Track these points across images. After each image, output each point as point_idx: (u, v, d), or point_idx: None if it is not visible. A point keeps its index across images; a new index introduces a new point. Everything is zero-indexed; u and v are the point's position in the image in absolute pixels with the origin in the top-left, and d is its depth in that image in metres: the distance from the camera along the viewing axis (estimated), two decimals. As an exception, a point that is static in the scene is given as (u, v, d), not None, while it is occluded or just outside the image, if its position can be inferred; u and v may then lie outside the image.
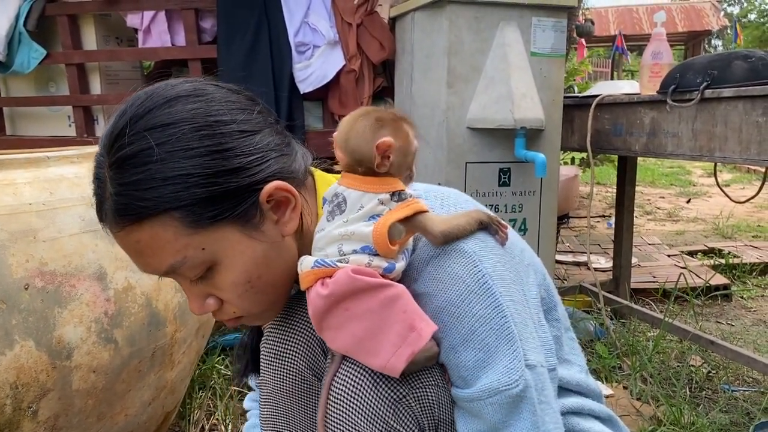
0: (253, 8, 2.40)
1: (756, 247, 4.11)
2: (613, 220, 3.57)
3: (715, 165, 2.63)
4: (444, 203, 0.82)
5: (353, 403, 0.74)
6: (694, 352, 2.34)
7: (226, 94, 0.76)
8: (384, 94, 2.55)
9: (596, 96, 2.31)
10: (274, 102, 2.37)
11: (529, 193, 2.21)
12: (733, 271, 3.53)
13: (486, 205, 0.87)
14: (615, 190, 2.96)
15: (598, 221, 5.21)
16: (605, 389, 2.01)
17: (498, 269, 0.76)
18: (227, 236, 0.73)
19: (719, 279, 3.19)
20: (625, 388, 2.07)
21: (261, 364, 0.88)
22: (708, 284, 2.99)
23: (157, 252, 0.72)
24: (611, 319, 2.54)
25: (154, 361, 1.34)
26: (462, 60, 2.06)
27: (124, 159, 0.69)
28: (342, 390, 0.75)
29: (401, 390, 0.74)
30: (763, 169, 2.32)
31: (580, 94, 2.79)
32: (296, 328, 0.86)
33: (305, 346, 0.85)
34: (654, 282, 3.18)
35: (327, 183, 0.82)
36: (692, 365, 2.27)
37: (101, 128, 2.72)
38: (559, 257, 3.68)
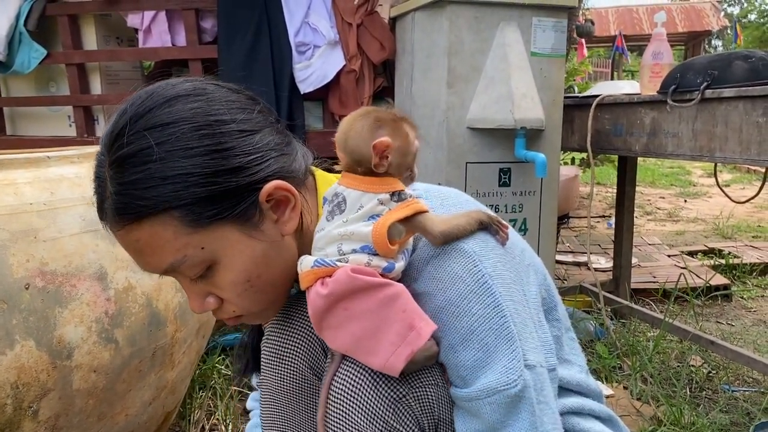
0: (254, 8, 2.40)
1: (756, 248, 4.11)
2: (613, 221, 3.57)
3: (716, 165, 2.63)
4: (444, 203, 0.82)
5: (353, 402, 0.74)
6: (694, 352, 2.34)
7: (227, 94, 0.76)
8: (384, 94, 2.55)
9: (596, 96, 2.31)
10: (275, 102, 2.37)
11: (530, 194, 2.21)
12: (733, 272, 3.53)
13: (486, 206, 0.87)
14: (615, 191, 2.96)
15: (599, 221, 5.21)
16: (605, 389, 2.01)
17: (498, 269, 0.76)
18: (227, 235, 0.73)
19: (719, 279, 3.19)
20: (625, 388, 2.07)
21: (262, 363, 0.89)
22: (708, 284, 2.99)
23: (157, 251, 0.72)
24: (611, 319, 2.54)
25: (155, 361, 1.34)
26: (462, 60, 2.06)
27: (124, 158, 0.70)
28: (342, 389, 0.75)
29: (401, 389, 0.74)
30: (764, 170, 2.32)
31: (581, 94, 2.79)
32: (297, 327, 0.86)
33: (306, 345, 0.85)
34: (654, 282, 3.18)
35: (328, 182, 0.82)
36: (692, 365, 2.27)
37: (101, 128, 2.71)
38: (559, 257, 3.68)
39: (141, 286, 1.30)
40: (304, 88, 2.41)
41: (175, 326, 1.37)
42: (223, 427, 1.77)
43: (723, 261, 3.67)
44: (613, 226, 3.10)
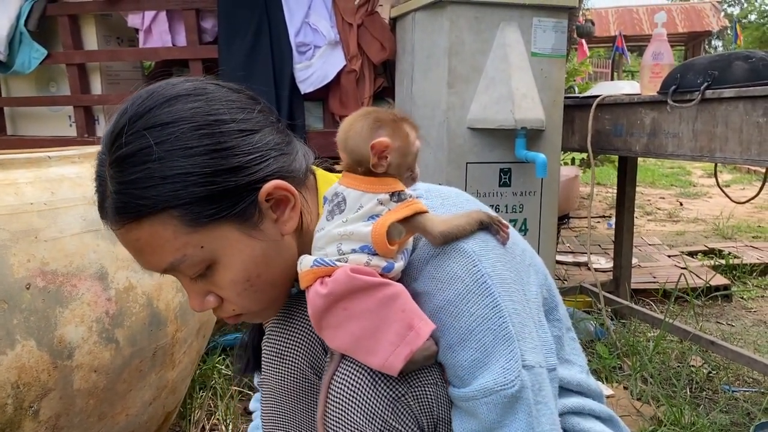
0: (254, 8, 2.40)
1: (756, 248, 4.11)
2: (613, 221, 3.57)
3: (716, 165, 2.64)
4: (445, 202, 0.82)
5: (352, 401, 0.74)
6: (694, 352, 2.34)
7: (227, 94, 0.77)
8: (385, 94, 2.56)
9: (597, 96, 2.31)
10: (275, 102, 2.37)
11: (530, 194, 2.21)
12: (734, 272, 3.53)
13: (486, 206, 0.87)
14: (615, 191, 2.96)
15: (599, 222, 5.21)
16: (606, 390, 2.01)
17: (498, 269, 0.76)
18: (226, 235, 0.74)
19: (719, 279, 3.19)
20: (625, 388, 2.07)
21: (262, 363, 0.89)
22: (708, 285, 2.99)
23: (156, 250, 0.72)
24: (611, 319, 2.54)
25: (155, 361, 1.35)
26: (463, 60, 2.06)
27: (124, 157, 0.70)
28: (341, 388, 0.75)
29: (400, 388, 0.75)
30: (764, 170, 2.32)
31: (581, 95, 2.79)
32: (297, 326, 0.86)
33: (306, 344, 0.85)
34: (654, 282, 3.18)
35: (328, 182, 0.82)
36: (693, 366, 2.27)
37: (102, 128, 2.72)
38: (559, 257, 3.68)
39: (141, 286, 1.30)
40: (305, 88, 2.41)
41: (175, 326, 1.37)
42: (223, 427, 1.77)
43: (723, 261, 3.67)
44: (614, 226, 3.10)
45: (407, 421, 0.75)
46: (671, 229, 5.06)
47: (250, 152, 0.73)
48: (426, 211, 0.75)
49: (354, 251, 0.73)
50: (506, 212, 2.18)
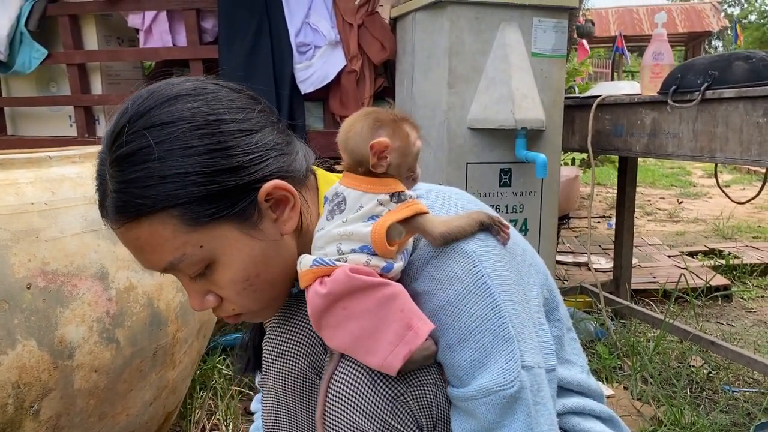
0: (255, 9, 2.40)
1: (756, 248, 4.11)
2: (613, 221, 3.57)
3: (716, 166, 2.64)
4: (446, 203, 0.82)
5: (351, 400, 0.74)
6: (694, 352, 2.34)
7: (227, 93, 0.77)
8: (385, 94, 2.56)
9: (597, 96, 2.32)
10: (276, 102, 2.37)
11: (530, 194, 2.21)
12: (734, 272, 3.53)
13: (487, 206, 0.87)
14: (615, 191, 2.96)
15: (599, 222, 5.21)
16: (606, 390, 2.01)
17: (498, 269, 0.76)
18: (225, 234, 0.74)
19: (720, 280, 3.19)
20: (625, 388, 2.07)
21: (263, 363, 0.89)
22: (708, 285, 2.99)
23: (156, 249, 0.73)
24: (612, 319, 2.54)
25: (156, 361, 1.35)
26: (463, 60, 2.06)
27: (124, 157, 0.70)
28: (340, 388, 0.75)
29: (399, 388, 0.75)
30: (764, 170, 2.32)
31: (581, 95, 2.80)
32: (298, 326, 0.86)
33: (306, 343, 0.85)
34: (654, 283, 3.18)
35: (329, 182, 0.83)
36: (693, 366, 2.27)
37: (102, 128, 2.72)
38: (559, 258, 3.68)
39: (142, 285, 1.30)
40: (305, 88, 2.42)
41: (176, 326, 1.37)
42: (223, 427, 1.77)
43: (723, 261, 3.67)
44: (614, 226, 3.10)
45: (406, 421, 0.75)
46: (671, 229, 5.06)
47: (249, 152, 0.73)
48: (426, 212, 0.75)
49: (353, 251, 0.73)
50: (506, 212, 2.18)
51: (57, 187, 1.25)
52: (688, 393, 2.05)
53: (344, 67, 2.40)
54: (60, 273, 1.18)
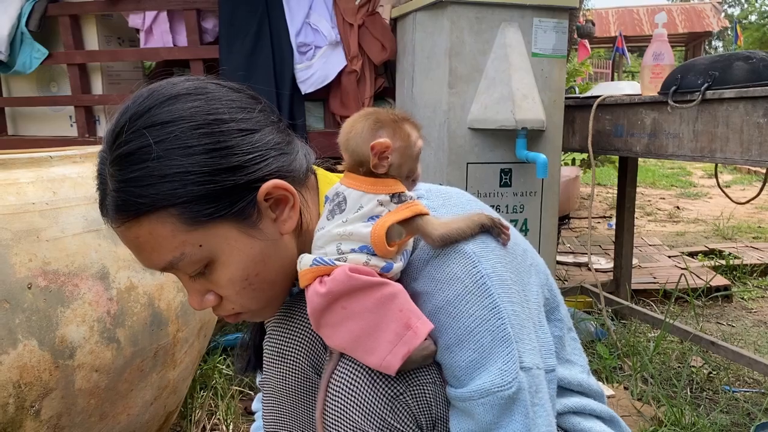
0: (255, 9, 2.40)
1: (756, 248, 4.11)
2: (613, 221, 3.57)
3: (716, 166, 2.64)
4: (447, 203, 0.82)
5: (351, 400, 0.75)
6: (694, 353, 2.34)
7: (227, 93, 0.77)
8: (385, 94, 2.56)
9: (597, 97, 2.32)
10: (276, 102, 2.38)
11: (530, 194, 2.21)
12: (734, 272, 3.53)
13: (488, 206, 0.87)
14: (616, 191, 2.96)
15: (599, 222, 5.21)
16: (606, 390, 2.02)
17: (498, 270, 0.76)
18: (225, 234, 0.74)
19: (720, 280, 3.19)
20: (626, 388, 2.07)
21: (264, 362, 0.89)
22: (708, 285, 2.99)
23: (155, 248, 0.73)
24: (612, 319, 2.54)
25: (156, 361, 1.35)
26: (463, 61, 2.06)
27: (124, 156, 0.70)
28: (340, 387, 0.75)
29: (398, 387, 0.75)
30: (764, 170, 2.32)
31: (581, 95, 2.80)
32: (298, 325, 0.86)
33: (307, 342, 0.85)
34: (655, 283, 3.18)
35: (330, 182, 0.83)
36: (693, 366, 2.27)
37: (103, 128, 2.72)
38: (560, 258, 3.68)
39: (143, 285, 1.30)
40: (305, 88, 2.42)
41: (176, 326, 1.37)
42: (224, 427, 1.77)
43: (723, 262, 3.67)
44: (614, 226, 3.10)
45: (405, 420, 0.75)
46: (671, 229, 5.06)
47: (249, 152, 0.74)
48: (426, 213, 0.75)
49: (353, 251, 0.73)
50: (507, 213, 2.18)
51: (58, 187, 1.25)
52: (689, 393, 2.05)
53: (344, 68, 2.40)
54: (61, 273, 1.18)
